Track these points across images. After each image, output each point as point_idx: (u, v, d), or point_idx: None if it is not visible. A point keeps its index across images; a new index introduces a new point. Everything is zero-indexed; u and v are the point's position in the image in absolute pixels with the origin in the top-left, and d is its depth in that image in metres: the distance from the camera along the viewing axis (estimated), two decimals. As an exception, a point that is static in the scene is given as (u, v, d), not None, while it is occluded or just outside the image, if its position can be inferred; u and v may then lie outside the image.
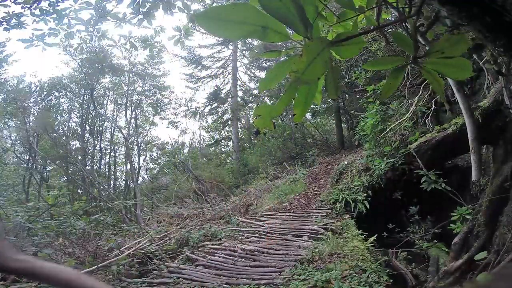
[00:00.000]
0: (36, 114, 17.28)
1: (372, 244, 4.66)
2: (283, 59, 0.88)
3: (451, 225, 4.32)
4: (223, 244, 5.35)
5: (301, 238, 5.24)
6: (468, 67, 0.90)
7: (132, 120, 18.60)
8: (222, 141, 20.50)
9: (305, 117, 14.69)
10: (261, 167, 12.40)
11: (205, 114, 19.51)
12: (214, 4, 4.78)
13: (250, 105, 18.67)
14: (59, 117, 18.28)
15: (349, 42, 0.79)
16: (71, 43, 12.74)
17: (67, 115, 18.99)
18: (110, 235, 5.55)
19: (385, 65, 1.14)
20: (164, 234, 6.17)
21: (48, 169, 18.12)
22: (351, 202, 6.27)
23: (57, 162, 16.39)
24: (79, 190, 15.31)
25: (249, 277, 3.94)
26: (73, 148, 17.87)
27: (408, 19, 1.12)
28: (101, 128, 18.70)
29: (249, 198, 8.90)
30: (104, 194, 11.10)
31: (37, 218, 4.65)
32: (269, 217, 6.79)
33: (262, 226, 6.16)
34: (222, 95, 18.84)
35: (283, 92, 0.79)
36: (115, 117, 19.66)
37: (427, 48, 0.99)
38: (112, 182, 18.72)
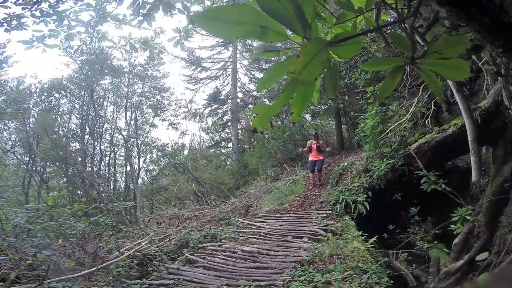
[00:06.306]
0: (36, 115, 17.32)
1: (372, 245, 4.65)
2: (282, 59, 0.88)
3: (451, 226, 4.31)
4: (223, 246, 5.34)
5: (301, 240, 5.23)
6: (466, 68, 0.90)
7: (132, 122, 18.62)
8: (222, 142, 20.50)
9: (305, 118, 14.70)
10: (261, 169, 12.39)
11: (205, 115, 19.54)
12: (214, 6, 4.78)
13: (250, 106, 18.67)
14: (59, 119, 18.31)
15: (347, 42, 0.80)
16: (71, 45, 12.80)
17: (67, 116, 19.04)
18: (110, 236, 5.54)
19: (383, 65, 1.15)
20: (164, 235, 6.16)
21: (48, 171, 18.13)
22: (351, 203, 6.26)
23: (57, 163, 16.40)
24: (79, 192, 15.32)
25: (249, 279, 3.93)
26: (73, 150, 17.87)
27: (407, 19, 1.12)
28: (101, 130, 18.73)
29: (249, 199, 8.89)
30: (104, 196, 11.10)
31: (36, 220, 4.64)
32: (269, 219, 6.78)
33: (262, 227, 6.15)
34: (222, 97, 18.85)
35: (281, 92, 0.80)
36: (115, 118, 19.71)
37: (425, 49, 0.99)
38: (112, 183, 18.73)
